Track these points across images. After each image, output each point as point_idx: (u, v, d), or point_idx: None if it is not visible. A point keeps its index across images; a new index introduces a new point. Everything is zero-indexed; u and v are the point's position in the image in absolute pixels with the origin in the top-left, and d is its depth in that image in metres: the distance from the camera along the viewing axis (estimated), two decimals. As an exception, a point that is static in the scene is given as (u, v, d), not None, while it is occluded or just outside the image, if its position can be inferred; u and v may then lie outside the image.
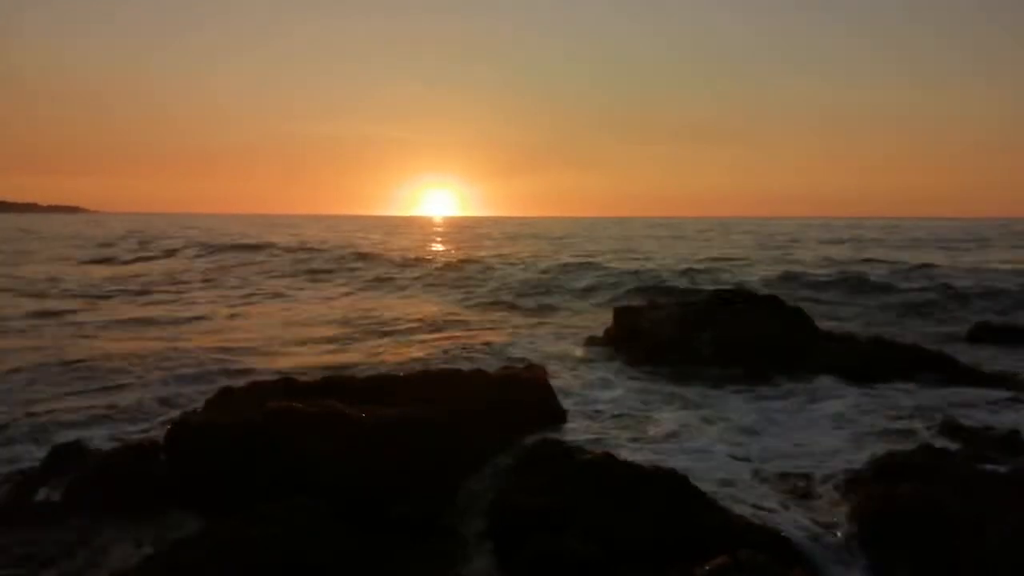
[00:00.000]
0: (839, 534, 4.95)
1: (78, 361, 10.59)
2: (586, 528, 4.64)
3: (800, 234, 62.92)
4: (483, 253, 36.10)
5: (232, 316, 16.31)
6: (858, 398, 8.70)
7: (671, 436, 7.30)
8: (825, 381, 9.39)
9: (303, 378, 7.55)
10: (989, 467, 5.80)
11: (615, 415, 8.03)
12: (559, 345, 12.68)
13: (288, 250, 36.22)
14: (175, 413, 7.23)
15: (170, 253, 38.28)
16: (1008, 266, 26.14)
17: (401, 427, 5.73)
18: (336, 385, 6.96)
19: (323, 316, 16.33)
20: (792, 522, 5.10)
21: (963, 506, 4.79)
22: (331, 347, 12.47)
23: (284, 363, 10.86)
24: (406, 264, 28.85)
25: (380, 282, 24.28)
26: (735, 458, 6.65)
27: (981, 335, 12.99)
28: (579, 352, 11.94)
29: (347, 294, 21.68)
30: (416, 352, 11.80)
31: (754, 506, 5.37)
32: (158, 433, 6.47)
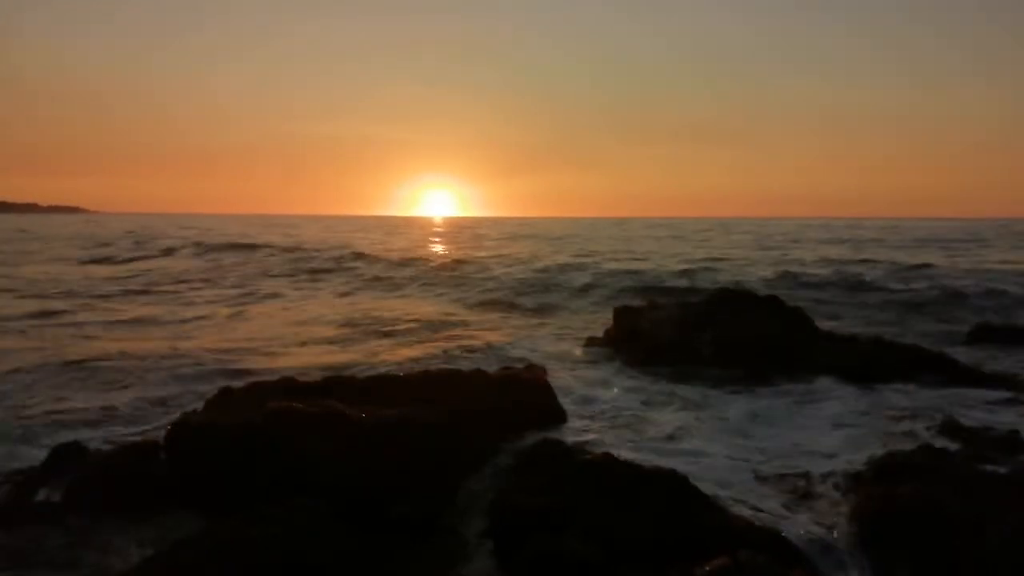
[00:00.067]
0: (839, 534, 4.96)
1: (78, 361, 10.59)
2: (586, 528, 4.64)
3: (800, 234, 62.94)
4: (483, 253, 36.11)
5: (232, 316, 16.31)
6: (858, 398, 8.70)
7: (671, 436, 7.30)
8: (825, 381, 9.39)
9: (303, 378, 7.56)
10: (989, 467, 5.80)
11: (615, 415, 8.02)
12: (559, 345, 12.68)
13: (287, 250, 36.21)
14: (175, 413, 7.22)
15: (169, 253, 38.29)
16: (1008, 266, 26.15)
17: (401, 427, 5.73)
18: (336, 385, 6.96)
19: (323, 316, 16.33)
20: (792, 522, 5.10)
21: (963, 506, 4.79)
22: (331, 347, 12.47)
23: (284, 363, 10.86)
24: (405, 264, 28.83)
25: (379, 282, 24.27)
26: (735, 458, 6.65)
27: (981, 335, 12.98)
28: (579, 352, 11.94)
29: (347, 294, 21.67)
30: (416, 352, 11.79)
31: (754, 507, 5.37)
32: (158, 433, 6.46)
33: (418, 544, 4.93)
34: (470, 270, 26.29)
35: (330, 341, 13.06)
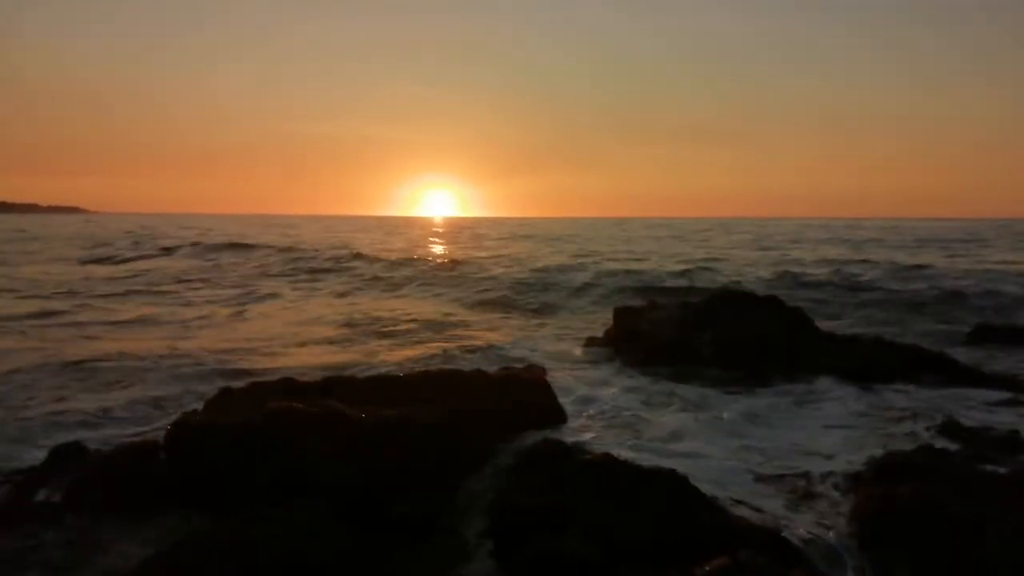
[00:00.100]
0: (839, 534, 4.95)
1: (78, 361, 10.59)
2: (586, 528, 4.64)
3: (800, 234, 62.95)
4: (482, 253, 36.11)
5: (231, 316, 16.32)
6: (858, 398, 8.71)
7: (671, 436, 7.30)
8: (825, 382, 9.40)
9: (303, 378, 7.55)
10: (989, 467, 5.80)
11: (615, 415, 8.02)
12: (559, 345, 12.68)
13: (287, 250, 36.21)
14: (175, 413, 7.22)
15: (169, 253, 38.29)
16: (1008, 266, 26.16)
17: (401, 427, 5.73)
18: (336, 385, 6.96)
19: (322, 316, 16.33)
20: (792, 523, 5.10)
21: (963, 506, 4.79)
22: (331, 347, 12.47)
23: (284, 363, 10.86)
24: (405, 264, 28.83)
25: (379, 282, 24.27)
26: (735, 458, 6.66)
27: (981, 335, 12.99)
28: (579, 352, 11.94)
29: (346, 294, 21.68)
30: (416, 352, 11.79)
31: (754, 507, 5.37)
32: (158, 433, 6.46)
33: (418, 544, 4.93)
34: (470, 270, 26.29)
35: (330, 341, 13.07)
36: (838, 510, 5.39)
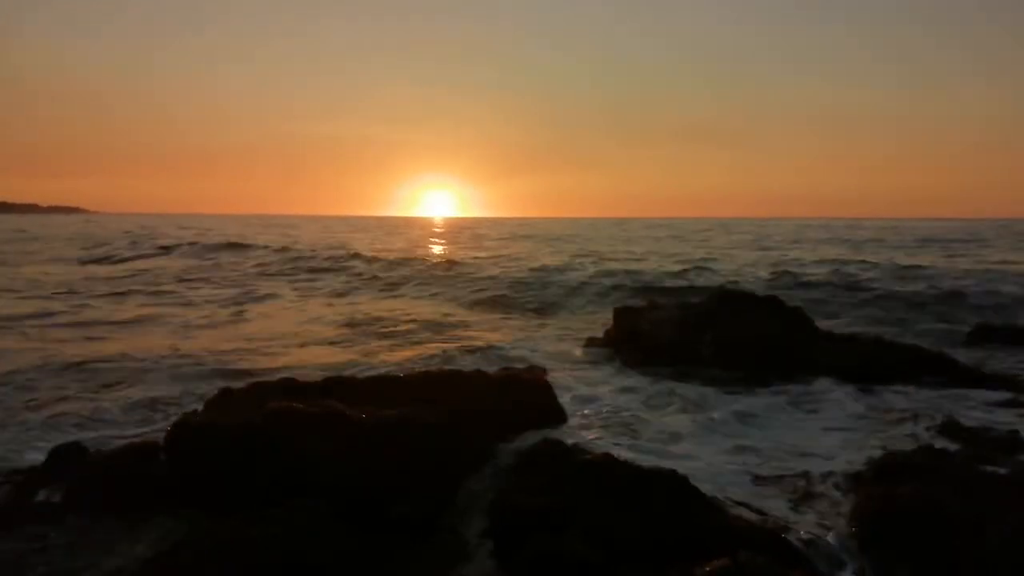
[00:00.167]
0: (839, 535, 4.95)
1: (78, 361, 10.59)
2: (586, 528, 4.64)
3: (800, 234, 62.95)
4: (482, 253, 36.12)
5: (231, 316, 16.32)
6: (858, 399, 8.71)
7: (671, 437, 7.30)
8: (825, 382, 9.39)
9: (303, 378, 7.55)
10: (989, 467, 5.81)
11: (615, 416, 8.02)
12: (559, 346, 12.68)
13: (287, 250, 36.22)
14: (175, 413, 7.23)
15: (169, 253, 38.30)
16: (1008, 266, 26.17)
17: (401, 427, 5.73)
18: (336, 385, 6.96)
19: (322, 316, 16.33)
20: (792, 523, 5.10)
21: (963, 506, 4.79)
22: (331, 347, 12.47)
23: (284, 363, 10.87)
24: (405, 264, 28.83)
25: (379, 282, 24.27)
26: (735, 459, 6.66)
27: (981, 336, 12.99)
28: (579, 353, 11.94)
29: (346, 294, 21.68)
30: (416, 352, 11.80)
31: (754, 507, 5.37)
32: (158, 434, 6.46)
33: (418, 544, 4.93)
34: (470, 270, 26.29)
35: (330, 341, 13.07)
36: (838, 510, 5.39)
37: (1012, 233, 63.27)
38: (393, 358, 11.38)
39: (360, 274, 26.46)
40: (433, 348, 12.13)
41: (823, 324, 12.26)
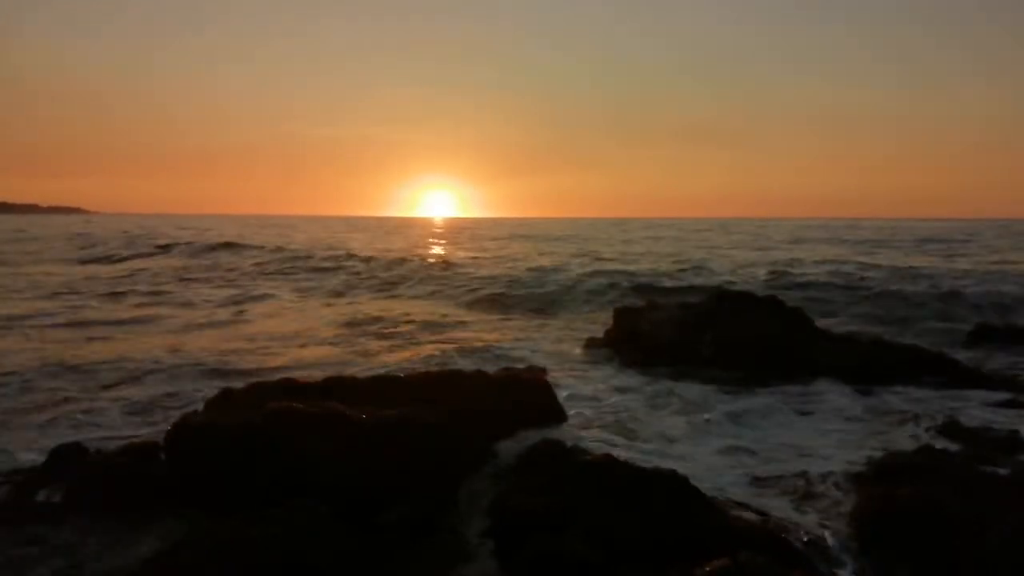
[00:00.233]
0: (839, 535, 4.96)
1: (78, 362, 10.59)
2: (586, 528, 4.64)
3: (799, 235, 62.91)
4: (483, 254, 36.10)
5: (231, 316, 16.32)
6: (858, 399, 8.72)
7: (671, 437, 7.31)
8: (825, 382, 9.40)
9: (303, 378, 7.55)
10: (989, 467, 5.81)
11: (615, 416, 8.03)
12: (559, 346, 12.69)
13: (287, 250, 36.20)
14: (175, 414, 7.23)
15: (168, 253, 38.27)
16: (1008, 266, 26.16)
17: (401, 427, 5.73)
18: (336, 385, 6.95)
19: (322, 316, 16.34)
20: (792, 523, 5.10)
21: (963, 506, 4.79)
22: (330, 347, 12.47)
23: (284, 363, 10.87)
24: (405, 265, 28.80)
25: (379, 282, 24.27)
26: (735, 459, 6.66)
27: (981, 336, 12.99)
28: (579, 353, 11.95)
29: (346, 294, 21.68)
30: (415, 353, 11.80)
31: (754, 507, 5.38)
32: (158, 434, 6.47)
33: (418, 544, 4.93)
34: (470, 270, 26.28)
35: (330, 341, 13.07)
36: (838, 510, 5.39)
37: (1012, 233, 63.25)
38: (393, 358, 11.38)
39: (359, 274, 26.46)
40: (433, 348, 12.14)
41: (822, 324, 12.26)
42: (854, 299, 18.34)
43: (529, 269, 25.93)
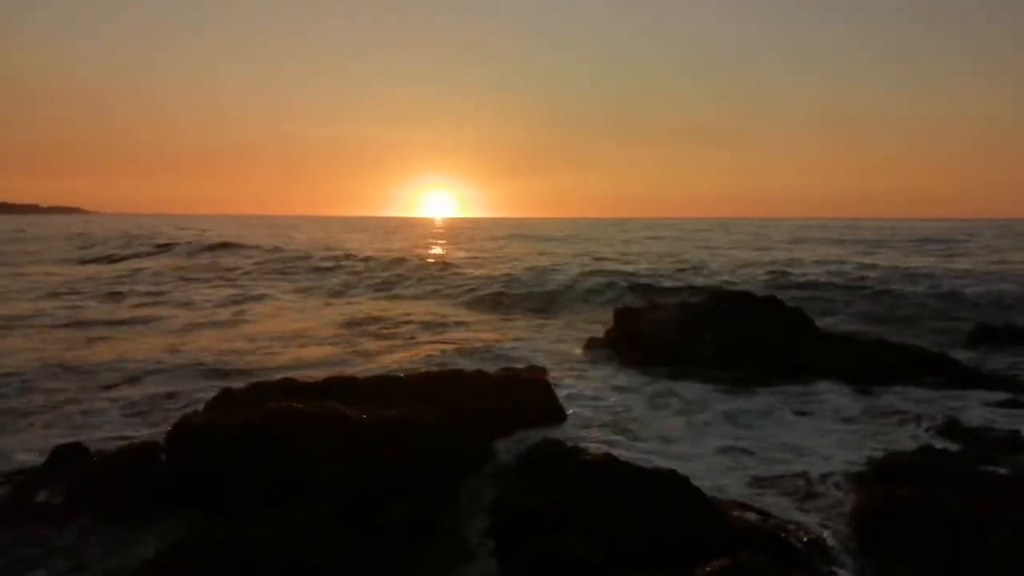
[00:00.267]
0: (839, 535, 4.96)
1: (78, 361, 10.59)
2: (586, 528, 4.64)
3: (799, 235, 62.91)
4: (483, 254, 36.10)
5: (231, 316, 16.31)
6: (858, 399, 8.71)
7: (671, 437, 7.31)
8: (825, 382, 9.39)
9: (303, 378, 7.55)
10: (989, 467, 5.81)
11: (615, 416, 8.03)
12: (559, 346, 12.68)
13: (287, 250, 36.20)
14: (175, 414, 7.23)
15: (168, 253, 38.26)
16: (1008, 266, 26.15)
17: (401, 427, 5.73)
18: (336, 385, 6.96)
19: (322, 316, 16.33)
20: (792, 523, 5.10)
21: (963, 506, 4.79)
22: (330, 348, 12.47)
23: (284, 363, 10.87)
24: (405, 265, 28.80)
25: (379, 282, 24.26)
26: (735, 459, 6.66)
27: (981, 336, 12.98)
28: (579, 353, 11.95)
29: (345, 294, 21.67)
30: (416, 353, 11.80)
31: (754, 507, 5.37)
32: (158, 434, 6.47)
33: (418, 544, 4.93)
34: (470, 271, 26.27)
35: (329, 341, 13.07)
36: (838, 510, 5.39)
37: (1012, 233, 63.25)
38: (393, 358, 11.38)
39: (359, 274, 26.45)
40: (432, 348, 12.14)
41: (822, 324, 12.26)
42: (854, 299, 18.34)
43: (529, 269, 25.93)
